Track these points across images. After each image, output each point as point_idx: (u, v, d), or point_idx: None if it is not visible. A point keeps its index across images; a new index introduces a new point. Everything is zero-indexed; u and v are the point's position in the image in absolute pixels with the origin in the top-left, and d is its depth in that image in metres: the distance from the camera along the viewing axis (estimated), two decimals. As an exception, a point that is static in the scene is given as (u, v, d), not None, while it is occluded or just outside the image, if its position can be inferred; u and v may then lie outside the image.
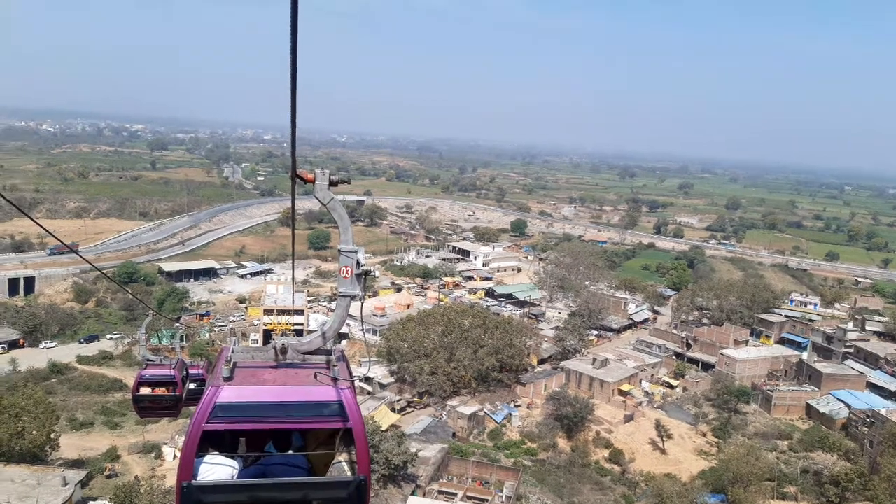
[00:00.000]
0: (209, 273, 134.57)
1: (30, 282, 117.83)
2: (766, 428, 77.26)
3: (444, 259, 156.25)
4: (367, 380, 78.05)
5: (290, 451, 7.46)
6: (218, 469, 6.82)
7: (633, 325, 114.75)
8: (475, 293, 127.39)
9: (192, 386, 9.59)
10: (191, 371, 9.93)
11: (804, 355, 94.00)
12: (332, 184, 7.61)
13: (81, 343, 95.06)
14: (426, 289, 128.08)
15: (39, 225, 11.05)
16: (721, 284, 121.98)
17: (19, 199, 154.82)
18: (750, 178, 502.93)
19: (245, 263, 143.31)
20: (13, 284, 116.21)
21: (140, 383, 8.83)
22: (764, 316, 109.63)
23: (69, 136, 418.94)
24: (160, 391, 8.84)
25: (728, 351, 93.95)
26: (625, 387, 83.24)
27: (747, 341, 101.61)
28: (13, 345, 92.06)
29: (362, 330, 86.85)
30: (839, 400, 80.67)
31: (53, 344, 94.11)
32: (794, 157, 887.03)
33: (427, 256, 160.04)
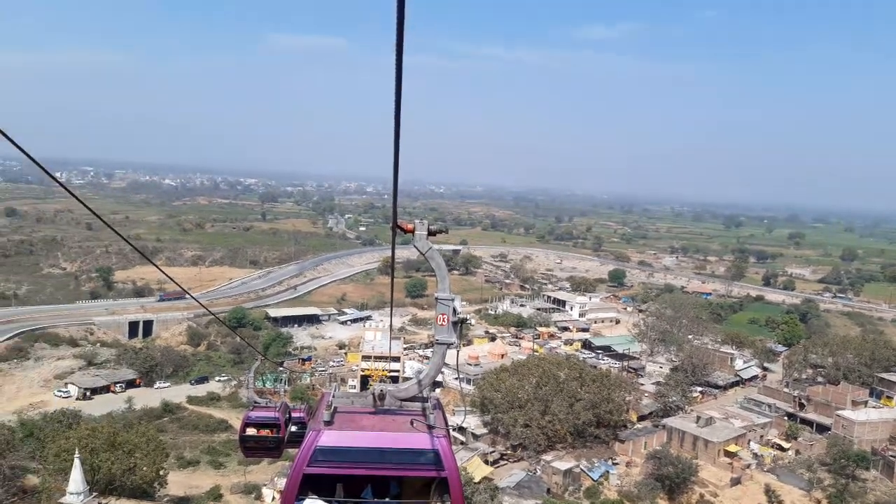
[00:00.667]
0: (312, 319, 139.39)
1: (148, 325, 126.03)
2: (887, 497, 70.79)
3: (538, 308, 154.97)
4: (461, 430, 77.69)
5: (387, 499, 7.49)
6: None
7: (740, 382, 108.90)
8: (571, 344, 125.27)
9: (293, 429, 9.97)
10: (293, 414, 10.33)
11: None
12: (430, 233, 7.88)
13: (192, 384, 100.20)
14: (520, 338, 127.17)
15: (161, 270, 12.24)
16: (837, 340, 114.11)
17: (142, 248, 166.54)
18: (867, 228, 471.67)
19: (346, 310, 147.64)
20: (133, 327, 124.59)
21: (247, 424, 9.23)
22: (885, 375, 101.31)
23: (188, 189, 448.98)
24: (265, 432, 9.20)
25: (845, 412, 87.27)
26: (731, 448, 78.73)
27: (866, 402, 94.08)
28: (130, 384, 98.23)
29: (457, 378, 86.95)
30: (975, 470, 73.04)
31: (167, 384, 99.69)
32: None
33: (522, 306, 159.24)
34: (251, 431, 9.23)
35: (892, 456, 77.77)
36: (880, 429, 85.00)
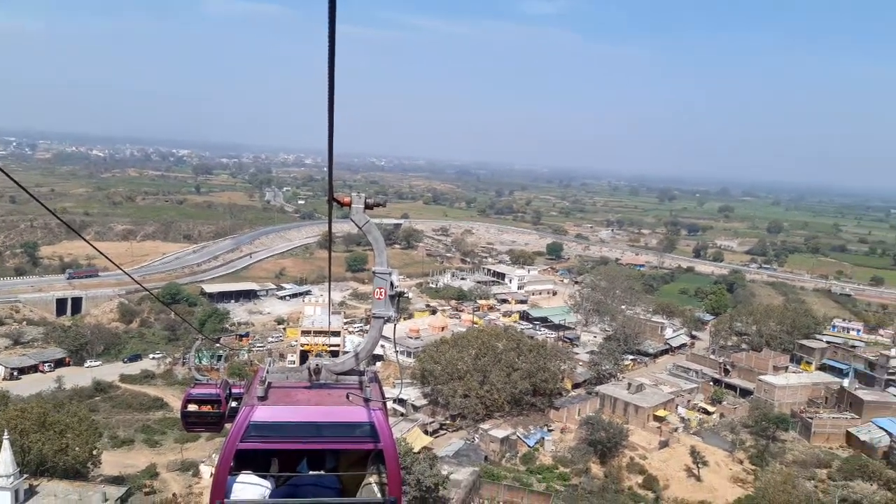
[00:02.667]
0: (249, 295, 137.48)
1: (77, 302, 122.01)
2: (804, 456, 75.41)
3: (479, 282, 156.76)
4: (401, 402, 78.67)
5: (322, 472, 7.50)
6: (250, 488, 6.89)
7: (670, 350, 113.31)
8: (510, 316, 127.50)
9: (233, 404, 10.22)
10: (233, 390, 10.57)
11: (845, 382, 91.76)
12: (367, 207, 7.80)
13: (125, 362, 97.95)
14: (461, 311, 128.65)
15: (91, 244, 12.09)
16: (761, 309, 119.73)
17: (70, 222, 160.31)
18: (792, 201, 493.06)
19: (284, 285, 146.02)
20: (61, 305, 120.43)
21: (188, 400, 9.28)
22: (805, 342, 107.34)
23: (118, 161, 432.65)
24: (206, 408, 9.19)
25: (767, 377, 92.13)
26: (660, 412, 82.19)
27: (787, 367, 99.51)
28: (60, 363, 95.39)
29: (396, 351, 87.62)
30: (881, 428, 78.37)
31: (98, 363, 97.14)
32: (838, 179, 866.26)
33: (462, 279, 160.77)
34: (192, 407, 9.28)
35: (809, 418, 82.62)
36: (799, 392, 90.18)
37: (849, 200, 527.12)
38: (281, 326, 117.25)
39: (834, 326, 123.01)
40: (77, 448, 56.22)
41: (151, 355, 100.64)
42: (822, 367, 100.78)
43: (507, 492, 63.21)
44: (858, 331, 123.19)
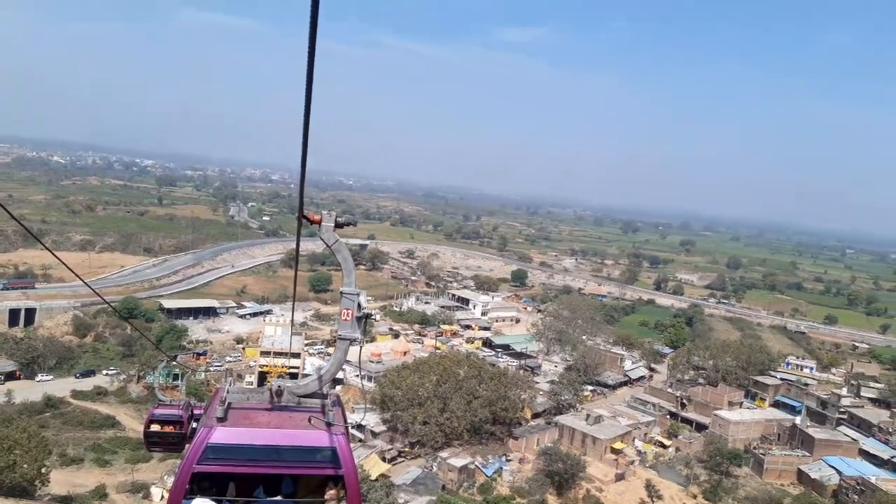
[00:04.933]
0: (209, 312, 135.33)
1: (30, 313, 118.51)
2: (756, 492, 76.64)
3: (443, 306, 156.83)
4: (360, 427, 78.01)
5: (280, 497, 7.36)
6: None
7: (629, 382, 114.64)
8: (472, 342, 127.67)
9: (194, 425, 10.32)
10: (195, 411, 10.71)
11: (798, 419, 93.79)
12: (338, 226, 7.69)
13: (77, 377, 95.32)
14: (424, 336, 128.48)
15: (55, 255, 11.93)
16: (717, 344, 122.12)
17: (24, 230, 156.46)
18: (752, 238, 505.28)
19: (245, 304, 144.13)
20: (14, 315, 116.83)
21: (151, 420, 9.41)
22: (759, 378, 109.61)
23: (79, 168, 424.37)
24: (168, 428, 9.38)
25: (722, 412, 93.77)
26: (618, 445, 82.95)
27: (741, 403, 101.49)
28: (10, 376, 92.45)
29: (359, 375, 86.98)
30: (831, 466, 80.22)
31: (49, 377, 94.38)
32: (797, 217, 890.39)
33: (426, 303, 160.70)
34: (155, 427, 9.36)
35: (762, 454, 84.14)
36: (753, 428, 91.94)
37: (806, 238, 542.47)
38: (240, 346, 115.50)
39: (788, 363, 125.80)
40: (25, 465, 54.63)
41: (105, 371, 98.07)
42: (776, 404, 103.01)
43: (464, 522, 62.94)
44: (811, 368, 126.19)
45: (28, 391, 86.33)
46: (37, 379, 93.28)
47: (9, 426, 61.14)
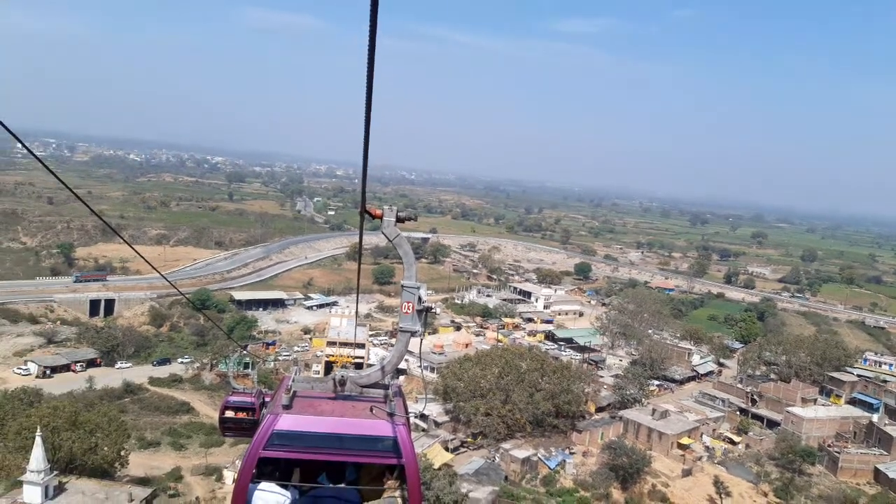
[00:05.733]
0: (277, 303, 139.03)
1: (110, 304, 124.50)
2: (830, 491, 73.87)
3: (504, 299, 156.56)
4: (423, 417, 78.81)
5: (343, 485, 7.48)
6: (270, 497, 6.94)
7: (696, 377, 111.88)
8: (534, 335, 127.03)
9: (265, 412, 10.71)
10: (266, 399, 11.15)
11: (875, 417, 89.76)
12: (399, 220, 7.74)
13: (154, 365, 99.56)
14: (485, 328, 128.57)
15: (133, 248, 12.79)
16: (791, 339, 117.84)
17: (104, 225, 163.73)
18: (828, 230, 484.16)
19: (312, 295, 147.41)
20: (94, 306, 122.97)
21: (226, 407, 9.59)
22: (835, 374, 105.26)
23: (154, 165, 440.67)
24: (241, 415, 9.54)
25: (795, 409, 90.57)
26: (684, 440, 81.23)
27: (815, 400, 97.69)
28: (91, 363, 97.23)
29: (420, 366, 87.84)
30: (911, 466, 76.57)
31: (128, 365, 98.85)
32: (876, 208, 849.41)
33: (488, 296, 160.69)
34: (230, 414, 9.69)
35: (836, 452, 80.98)
36: (827, 426, 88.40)
37: (886, 230, 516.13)
38: (307, 336, 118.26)
39: (865, 360, 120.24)
40: (106, 448, 57.20)
41: (180, 360, 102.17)
42: (852, 401, 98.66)
43: (527, 513, 62.86)
44: (891, 365, 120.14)
45: (108, 378, 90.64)
46: (116, 366, 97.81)
47: (91, 411, 64.16)
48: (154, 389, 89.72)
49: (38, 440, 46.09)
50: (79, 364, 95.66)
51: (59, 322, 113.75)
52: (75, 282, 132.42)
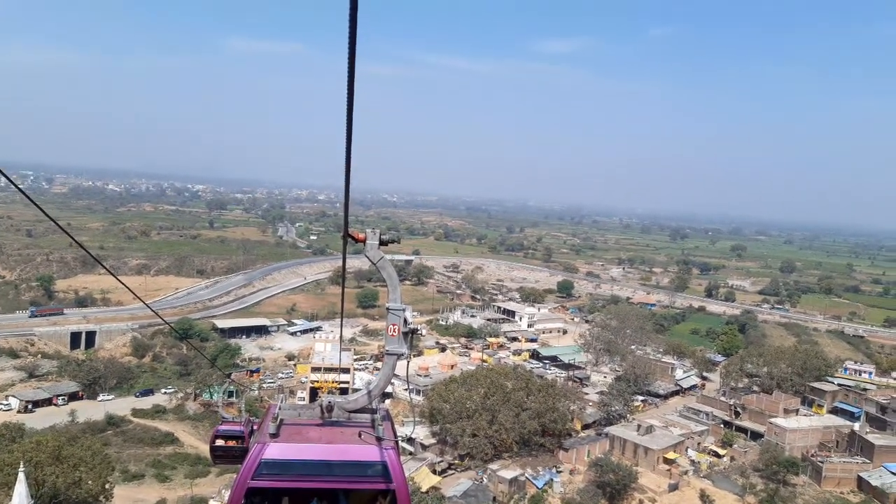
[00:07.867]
0: (261, 330, 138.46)
1: (91, 336, 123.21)
2: (815, 500, 74.74)
3: (489, 319, 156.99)
4: (410, 440, 78.79)
5: None
6: None
7: (680, 392, 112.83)
8: (519, 354, 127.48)
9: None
10: (255, 427, 11.56)
11: (857, 426, 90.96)
12: (382, 243, 7.89)
13: (137, 396, 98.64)
14: (470, 349, 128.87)
15: (116, 278, 13.37)
16: (771, 351, 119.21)
17: (84, 256, 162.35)
18: (805, 241, 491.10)
19: (295, 321, 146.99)
20: (75, 338, 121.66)
21: (216, 436, 9.88)
22: (816, 384, 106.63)
23: (134, 195, 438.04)
24: (231, 443, 9.79)
25: (778, 420, 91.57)
26: (670, 455, 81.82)
27: (798, 410, 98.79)
28: (73, 397, 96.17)
29: (407, 389, 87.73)
30: (892, 473, 77.55)
31: (111, 397, 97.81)
32: (852, 219, 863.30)
33: (472, 316, 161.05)
34: (220, 442, 9.96)
35: (819, 462, 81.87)
36: (810, 436, 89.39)
37: (862, 240, 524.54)
38: (291, 363, 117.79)
39: (846, 369, 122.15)
40: (90, 482, 56.53)
41: (163, 390, 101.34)
42: (834, 410, 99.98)
43: (515, 533, 62.92)
44: (870, 373, 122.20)
45: (91, 410, 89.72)
46: (99, 399, 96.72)
47: (74, 444, 63.41)
48: (137, 421, 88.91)
49: (20, 476, 45.53)
50: (61, 398, 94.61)
51: (39, 356, 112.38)
52: (31, 317, 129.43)
